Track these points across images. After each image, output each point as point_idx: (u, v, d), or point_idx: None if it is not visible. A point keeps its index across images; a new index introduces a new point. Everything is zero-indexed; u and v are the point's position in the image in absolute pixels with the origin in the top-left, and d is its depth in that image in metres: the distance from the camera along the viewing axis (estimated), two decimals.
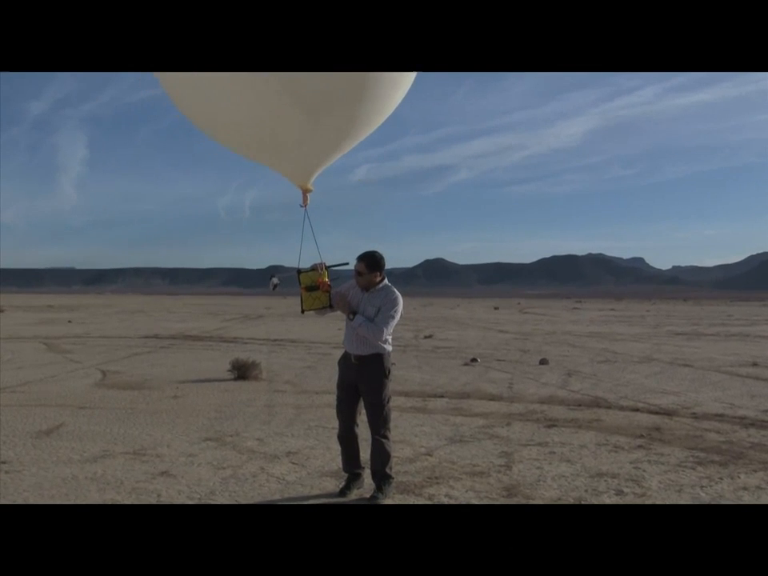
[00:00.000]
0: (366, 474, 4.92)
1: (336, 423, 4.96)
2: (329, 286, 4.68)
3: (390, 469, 4.76)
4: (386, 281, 4.80)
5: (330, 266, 4.74)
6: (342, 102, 4.23)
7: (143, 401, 8.69)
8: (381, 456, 4.70)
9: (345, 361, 4.86)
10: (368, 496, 4.70)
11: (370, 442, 4.78)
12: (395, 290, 4.78)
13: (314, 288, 4.66)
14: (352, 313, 4.68)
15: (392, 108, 4.67)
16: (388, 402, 4.75)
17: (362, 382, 4.72)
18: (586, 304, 76.96)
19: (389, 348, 4.75)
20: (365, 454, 4.89)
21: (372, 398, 4.70)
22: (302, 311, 4.76)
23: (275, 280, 4.77)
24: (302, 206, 4.68)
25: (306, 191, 4.70)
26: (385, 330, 4.62)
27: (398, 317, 4.73)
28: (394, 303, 4.71)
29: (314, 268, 4.69)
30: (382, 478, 4.71)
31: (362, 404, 4.80)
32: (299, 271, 4.66)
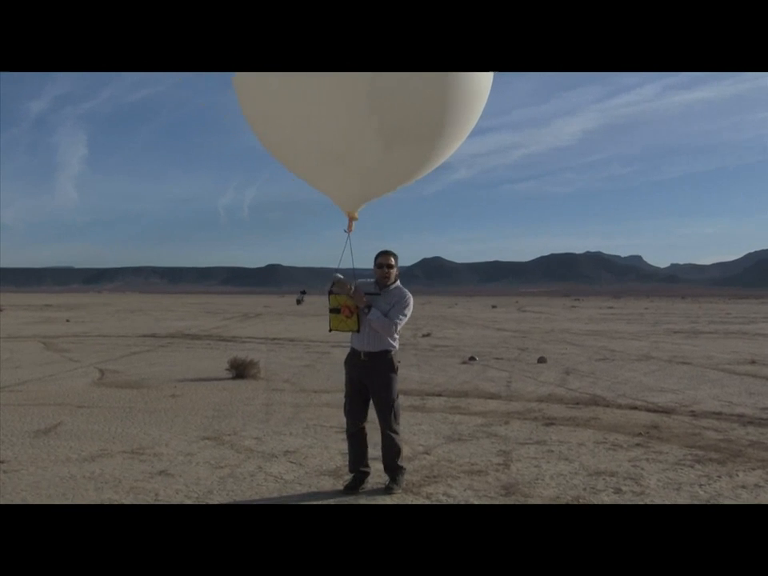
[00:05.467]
0: (375, 470, 4.98)
1: (334, 422, 4.98)
2: (349, 311, 4.77)
3: (402, 461, 4.89)
4: (398, 281, 4.94)
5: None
6: (421, 135, 4.19)
7: (141, 400, 8.69)
8: (392, 450, 4.83)
9: (352, 359, 4.92)
10: (365, 495, 4.73)
11: (380, 438, 4.86)
12: (406, 290, 4.91)
13: (337, 311, 4.79)
14: (368, 306, 4.76)
15: (458, 144, 4.62)
16: (397, 397, 4.86)
17: (372, 379, 4.81)
18: (584, 302, 77.03)
19: (396, 345, 4.88)
20: (371, 451, 4.97)
21: (382, 393, 4.80)
22: (330, 330, 4.96)
23: (301, 297, 5.23)
24: (345, 232, 4.69)
25: (352, 218, 4.71)
26: (396, 324, 4.76)
27: (409, 315, 4.87)
28: (406, 302, 4.85)
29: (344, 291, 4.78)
30: (395, 470, 4.84)
31: (370, 402, 4.88)
32: (330, 292, 4.80)
